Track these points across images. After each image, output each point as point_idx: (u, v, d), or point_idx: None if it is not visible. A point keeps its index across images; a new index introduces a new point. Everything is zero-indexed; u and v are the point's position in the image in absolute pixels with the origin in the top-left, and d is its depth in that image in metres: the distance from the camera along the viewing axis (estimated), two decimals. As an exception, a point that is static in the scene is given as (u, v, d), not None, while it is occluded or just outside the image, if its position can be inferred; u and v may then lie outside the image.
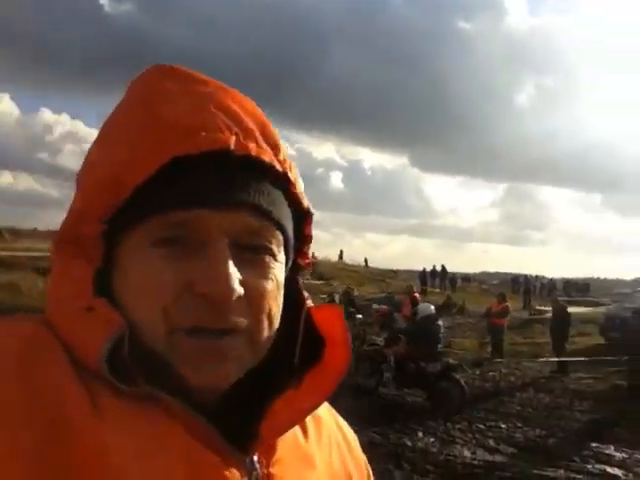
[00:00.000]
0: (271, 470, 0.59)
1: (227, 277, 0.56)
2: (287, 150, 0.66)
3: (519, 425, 8.87)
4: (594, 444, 7.92)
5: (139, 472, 0.51)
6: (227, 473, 0.55)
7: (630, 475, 6.87)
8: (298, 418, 0.63)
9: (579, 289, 51.71)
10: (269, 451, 0.60)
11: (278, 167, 0.62)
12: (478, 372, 12.97)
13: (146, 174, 0.56)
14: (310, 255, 0.72)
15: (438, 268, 39.34)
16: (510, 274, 60.54)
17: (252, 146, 0.60)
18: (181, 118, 0.59)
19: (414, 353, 10.03)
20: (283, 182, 0.63)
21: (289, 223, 0.63)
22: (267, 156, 0.61)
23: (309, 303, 0.69)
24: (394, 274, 44.39)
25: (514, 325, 19.87)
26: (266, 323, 0.60)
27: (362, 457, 0.78)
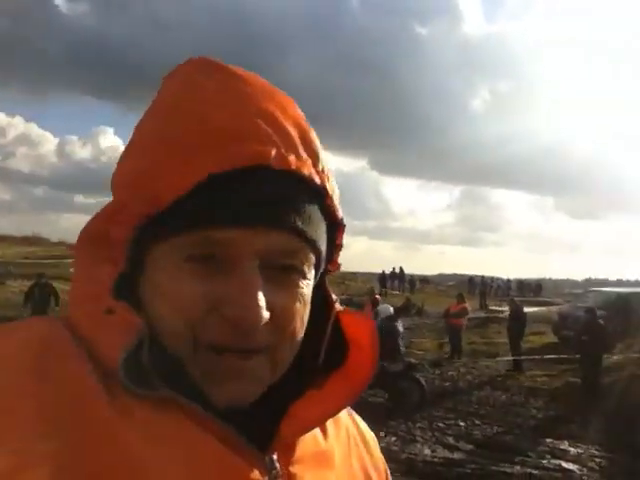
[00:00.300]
0: (290, 469, 0.59)
1: (255, 304, 0.55)
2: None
3: (477, 423, 9.05)
4: (549, 440, 8.15)
5: (163, 469, 0.51)
6: (249, 473, 0.55)
7: (584, 469, 7.10)
8: (320, 420, 0.63)
9: (532, 289, 52.94)
10: (288, 450, 0.60)
11: (317, 180, 0.60)
12: (438, 372, 13.16)
13: (183, 190, 0.55)
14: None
15: (391, 270, 39.78)
16: (466, 275, 61.52)
17: (292, 159, 0.58)
18: (221, 128, 0.57)
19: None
20: (320, 194, 0.62)
21: (323, 240, 0.62)
22: (306, 169, 0.60)
23: (337, 307, 0.69)
24: (353, 276, 44.59)
25: (471, 325, 20.21)
26: (289, 343, 0.60)
27: (381, 458, 0.77)
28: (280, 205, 0.57)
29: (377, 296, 16.44)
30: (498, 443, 8.01)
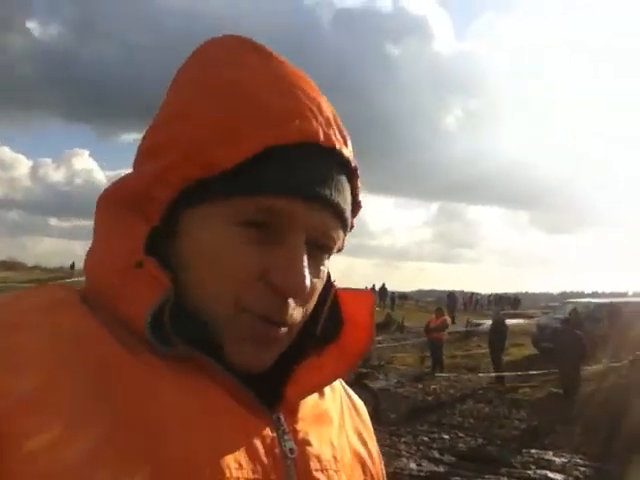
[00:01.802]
0: (295, 427, 0.62)
1: (303, 274, 0.58)
2: None
3: (461, 435, 9.04)
4: (534, 450, 8.16)
5: (182, 421, 0.53)
6: (260, 428, 0.58)
7: (570, 478, 7.09)
8: (320, 384, 0.67)
9: (510, 303, 53.41)
10: (293, 410, 0.64)
11: (352, 163, 0.63)
12: (420, 386, 13.15)
13: (239, 160, 0.57)
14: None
15: (377, 287, 39.83)
16: (445, 291, 61.94)
17: (334, 138, 0.61)
18: (273, 103, 0.59)
19: None
20: (351, 176, 0.64)
21: (350, 220, 0.65)
22: (346, 150, 0.62)
23: (336, 285, 0.71)
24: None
25: (452, 339, 20.28)
26: (304, 315, 0.63)
27: (372, 431, 0.79)
28: (328, 184, 0.59)
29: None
30: (483, 455, 8.00)
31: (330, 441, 0.66)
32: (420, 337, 19.26)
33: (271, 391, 0.62)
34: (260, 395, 0.60)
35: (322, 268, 0.64)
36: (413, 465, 7.47)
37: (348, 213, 0.63)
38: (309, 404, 0.66)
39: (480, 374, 14.60)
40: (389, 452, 7.93)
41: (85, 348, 0.53)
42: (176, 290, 0.57)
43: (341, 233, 0.63)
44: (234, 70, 0.61)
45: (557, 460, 7.77)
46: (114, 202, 0.62)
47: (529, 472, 7.23)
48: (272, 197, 0.57)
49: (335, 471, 0.64)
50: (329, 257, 0.65)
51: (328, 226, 0.61)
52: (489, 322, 17.84)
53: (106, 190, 0.63)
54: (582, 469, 7.47)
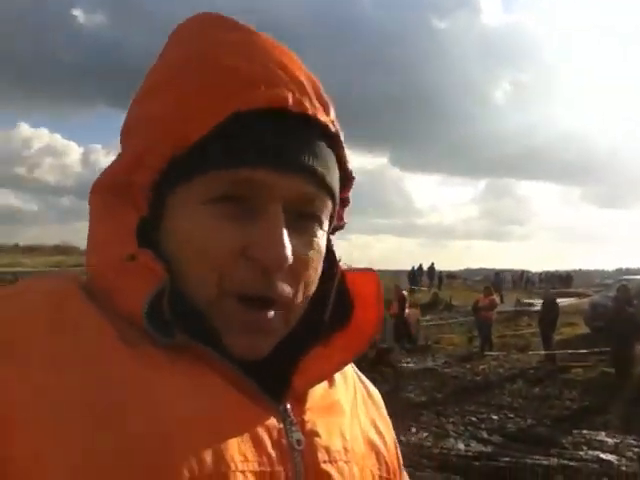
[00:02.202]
0: (303, 417, 0.61)
1: (283, 245, 0.56)
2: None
3: (510, 416, 8.93)
4: (586, 431, 7.99)
5: (183, 415, 0.52)
6: (266, 420, 0.57)
7: (623, 460, 6.95)
8: (328, 372, 0.65)
9: (563, 281, 52.19)
10: (300, 400, 0.62)
11: (332, 127, 0.62)
12: (468, 366, 13.04)
13: (208, 127, 0.56)
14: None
15: (425, 266, 39.52)
16: (493, 270, 60.93)
17: (307, 104, 0.59)
18: (240, 70, 0.58)
19: None
20: (333, 143, 0.62)
21: (337, 187, 0.63)
22: (321, 115, 0.61)
23: (342, 265, 0.70)
24: (380, 274, 44.43)
25: (501, 318, 20.00)
26: (303, 293, 0.61)
27: (388, 418, 0.78)
28: (301, 149, 0.58)
29: (404, 293, 16.37)
30: (533, 435, 7.88)
31: (340, 431, 0.64)
32: (468, 317, 19.07)
33: (278, 381, 0.61)
34: (266, 385, 0.59)
35: (313, 239, 0.61)
36: (461, 445, 7.44)
37: (330, 179, 0.60)
38: (318, 393, 0.65)
39: (530, 352, 14.38)
40: (436, 432, 7.93)
41: (85, 341, 0.52)
42: (172, 279, 0.56)
43: (327, 201, 0.61)
44: (201, 44, 0.61)
45: (609, 441, 7.61)
46: (102, 192, 0.61)
47: (580, 453, 7.11)
48: (241, 168, 0.56)
49: (345, 462, 0.62)
50: (322, 228, 0.62)
51: (306, 192, 0.58)
52: (540, 302, 17.50)
53: (96, 180, 0.62)
54: (635, 450, 7.30)
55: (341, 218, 0.69)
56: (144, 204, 0.59)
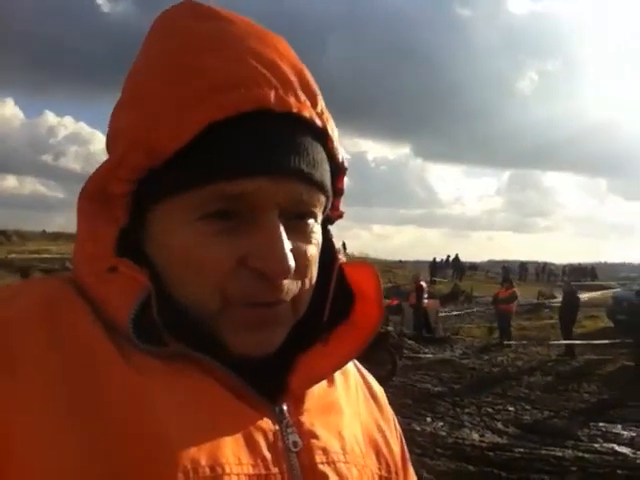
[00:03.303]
0: (300, 418, 0.60)
1: (285, 255, 0.55)
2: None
3: (527, 407, 8.90)
4: (602, 424, 7.95)
5: (178, 421, 0.51)
6: (261, 422, 0.57)
7: (638, 453, 6.91)
8: (327, 372, 0.64)
9: (586, 274, 51.48)
10: (298, 401, 0.61)
11: (318, 122, 0.59)
12: (486, 357, 13.01)
13: (182, 142, 0.53)
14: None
15: (446, 257, 39.33)
16: (517, 262, 60.31)
17: (292, 101, 0.57)
18: (217, 73, 0.55)
19: None
20: (322, 136, 0.60)
21: (329, 181, 0.61)
22: (307, 111, 0.58)
23: (341, 257, 0.68)
24: (401, 264, 44.35)
25: (522, 311, 19.86)
26: (308, 286, 0.61)
27: (391, 412, 0.76)
28: (288, 152, 0.55)
29: (422, 283, 16.34)
30: (548, 427, 7.87)
31: (339, 431, 0.63)
32: (488, 308, 18.98)
33: (274, 382, 0.60)
34: (262, 387, 0.58)
35: (311, 234, 0.60)
36: (475, 436, 7.46)
37: (319, 175, 0.58)
38: (316, 393, 0.64)
39: (551, 342, 14.29)
40: (451, 422, 7.96)
41: (80, 353, 0.52)
42: (159, 288, 0.55)
43: (320, 196, 0.59)
44: (174, 41, 0.58)
45: (625, 434, 7.57)
46: (85, 199, 0.60)
47: (595, 445, 7.09)
48: (226, 181, 0.53)
49: (344, 463, 0.61)
50: (317, 221, 0.61)
51: (299, 194, 0.57)
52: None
53: (82, 187, 0.60)
54: (652, 443, 7.27)
55: (337, 208, 0.67)
56: (123, 214, 0.57)
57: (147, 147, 0.55)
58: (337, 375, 0.69)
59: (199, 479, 0.50)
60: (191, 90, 0.54)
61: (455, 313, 20.02)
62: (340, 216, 0.69)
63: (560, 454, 6.73)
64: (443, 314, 17.20)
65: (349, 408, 0.67)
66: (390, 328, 11.68)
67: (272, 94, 0.55)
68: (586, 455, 6.73)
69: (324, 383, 0.66)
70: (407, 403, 8.87)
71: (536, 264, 50.02)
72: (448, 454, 6.68)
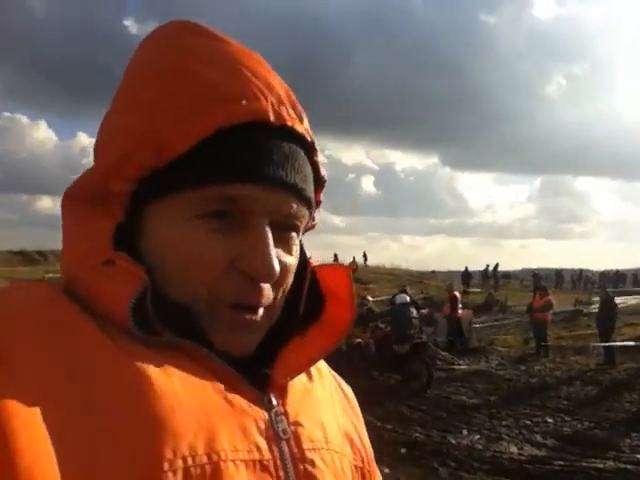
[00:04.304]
0: (286, 408, 0.63)
1: (272, 260, 0.59)
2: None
3: (566, 419, 8.71)
4: (644, 434, 7.74)
5: (175, 409, 0.52)
6: (252, 411, 0.59)
7: (683, 464, 6.71)
8: (306, 364, 0.68)
9: (625, 280, 50.26)
10: (283, 393, 0.64)
11: (308, 138, 0.63)
12: (523, 368, 12.78)
13: (191, 143, 0.57)
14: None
15: (485, 267, 38.79)
16: (552, 269, 59.26)
17: (286, 115, 0.60)
18: (221, 83, 0.58)
19: (389, 338, 10.94)
20: (308, 150, 0.64)
21: (313, 196, 0.65)
22: (299, 126, 0.62)
23: (312, 262, 0.72)
24: (432, 275, 43.96)
25: (559, 319, 19.49)
26: (281, 295, 0.64)
27: (360, 414, 0.80)
28: (284, 165, 0.59)
29: (455, 293, 16.17)
30: (589, 439, 7.69)
31: (320, 422, 0.66)
32: (524, 318, 18.66)
33: (259, 375, 0.63)
34: (248, 378, 0.61)
35: (293, 247, 0.64)
36: (514, 449, 7.32)
37: (309, 191, 0.63)
38: (298, 387, 0.67)
39: (593, 344, 13.95)
40: (488, 435, 7.83)
41: (75, 348, 0.52)
42: (152, 285, 0.57)
43: (305, 211, 0.63)
44: (178, 54, 0.61)
45: (670, 445, 7.35)
46: (76, 200, 0.61)
47: (638, 456, 6.87)
48: (226, 185, 0.57)
49: (327, 450, 0.64)
50: (299, 235, 0.65)
51: (289, 207, 0.60)
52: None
53: (67, 189, 0.62)
54: (698, 454, 7.03)
55: (313, 219, 0.70)
56: (120, 212, 0.60)
57: (156, 146, 0.57)
58: (314, 373, 0.73)
59: (197, 466, 0.51)
60: (200, 99, 0.58)
61: (490, 324, 19.71)
62: (313, 227, 0.72)
63: (601, 466, 6.56)
64: (478, 325, 16.91)
65: (326, 403, 0.71)
66: (424, 338, 11.57)
67: (270, 108, 0.59)
68: (628, 466, 6.55)
69: (305, 378, 0.70)
70: (442, 416, 8.77)
71: (572, 271, 48.98)
72: (485, 468, 6.58)
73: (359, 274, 31.11)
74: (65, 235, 0.63)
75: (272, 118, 0.59)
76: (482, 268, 39.84)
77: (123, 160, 0.58)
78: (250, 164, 0.57)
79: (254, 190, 0.58)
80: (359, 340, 11.55)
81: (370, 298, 17.75)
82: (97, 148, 0.63)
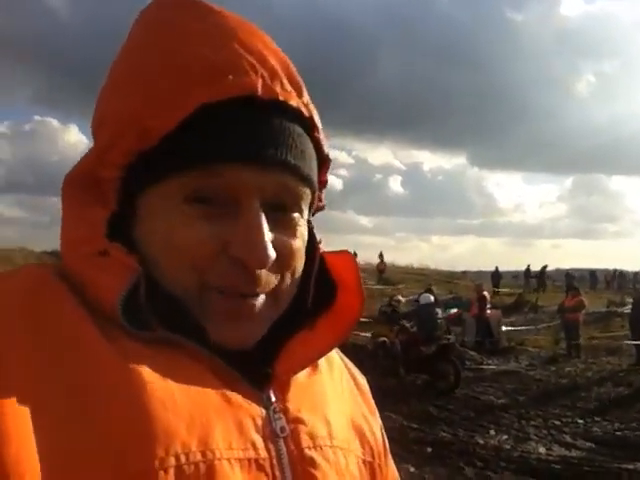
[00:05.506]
0: (287, 404, 0.61)
1: (264, 244, 0.56)
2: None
3: (597, 420, 8.56)
4: (678, 436, 7.57)
5: (168, 406, 0.51)
6: (249, 408, 0.57)
7: None
8: (312, 358, 0.65)
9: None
10: (284, 388, 0.62)
11: (304, 111, 0.60)
12: (553, 368, 12.59)
13: (173, 124, 0.55)
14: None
15: (526, 267, 38.29)
16: (586, 269, 58.16)
17: (279, 89, 0.58)
18: (205, 59, 0.56)
19: (416, 339, 10.86)
20: (307, 126, 0.61)
21: (315, 174, 0.62)
22: (294, 100, 0.59)
23: (322, 247, 0.68)
24: (462, 275, 43.54)
25: (591, 320, 19.14)
26: (291, 280, 0.61)
27: (374, 404, 0.77)
28: (274, 141, 0.56)
29: (484, 293, 16.00)
30: (620, 440, 7.54)
31: (325, 417, 0.63)
32: (555, 318, 18.38)
33: (261, 369, 0.61)
34: (249, 374, 0.59)
35: (297, 228, 0.61)
36: (542, 449, 7.22)
37: (306, 168, 0.59)
38: (302, 380, 0.64)
39: (626, 341, 13.66)
40: (516, 435, 7.74)
41: (64, 339, 0.51)
42: (147, 274, 0.55)
43: (305, 190, 0.60)
44: (164, 30, 0.59)
45: None
46: (73, 186, 0.60)
47: (670, 459, 6.75)
48: (213, 166, 0.55)
49: (330, 447, 0.62)
50: (302, 215, 0.62)
51: (282, 184, 0.58)
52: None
53: (68, 173, 0.61)
54: None
55: (320, 199, 0.68)
56: (113, 199, 0.58)
57: (139, 129, 0.56)
58: (322, 364, 0.70)
59: (190, 464, 0.50)
60: (186, 77, 0.56)
61: (522, 328, 19.44)
62: (322, 208, 0.69)
63: (632, 467, 6.44)
64: (510, 328, 16.68)
65: (334, 395, 0.68)
66: (451, 338, 11.49)
67: (259, 82, 0.57)
68: (660, 469, 6.42)
69: (309, 370, 0.67)
70: (469, 415, 8.69)
71: (606, 271, 47.99)
72: (512, 468, 6.51)
73: (388, 274, 30.95)
74: (63, 220, 0.62)
75: (260, 92, 0.56)
76: (513, 269, 39.28)
77: (109, 146, 0.57)
78: (235, 141, 0.55)
79: (242, 169, 0.55)
80: (384, 338, 11.51)
81: (401, 298, 17.68)
82: (94, 129, 0.62)
